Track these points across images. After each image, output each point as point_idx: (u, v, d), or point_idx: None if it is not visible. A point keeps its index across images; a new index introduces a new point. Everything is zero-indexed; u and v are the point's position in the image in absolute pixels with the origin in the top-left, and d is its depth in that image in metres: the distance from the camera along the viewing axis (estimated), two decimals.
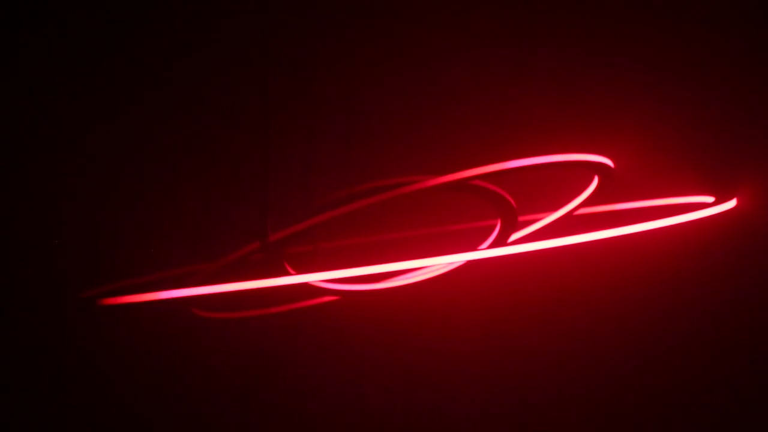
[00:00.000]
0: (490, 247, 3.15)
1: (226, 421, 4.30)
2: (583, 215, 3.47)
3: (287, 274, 3.04)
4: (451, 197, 3.11)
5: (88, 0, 3.98)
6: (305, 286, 3.02)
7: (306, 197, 3.74)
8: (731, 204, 2.86)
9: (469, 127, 4.03)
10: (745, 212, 3.23)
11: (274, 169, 3.74)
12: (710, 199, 3.02)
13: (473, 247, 3.25)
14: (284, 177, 3.87)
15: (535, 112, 4.00)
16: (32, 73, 3.99)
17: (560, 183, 3.25)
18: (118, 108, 4.03)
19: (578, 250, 2.85)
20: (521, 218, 3.22)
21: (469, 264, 3.05)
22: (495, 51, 4.00)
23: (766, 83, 3.92)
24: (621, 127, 3.92)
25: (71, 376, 4.18)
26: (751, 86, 3.94)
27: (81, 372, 4.19)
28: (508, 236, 3.10)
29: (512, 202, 2.98)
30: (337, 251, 3.46)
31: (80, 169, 4.04)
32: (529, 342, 4.23)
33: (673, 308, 4.13)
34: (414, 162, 4.00)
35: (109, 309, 2.98)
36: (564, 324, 4.21)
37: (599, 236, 2.66)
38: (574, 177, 3.26)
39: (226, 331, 4.11)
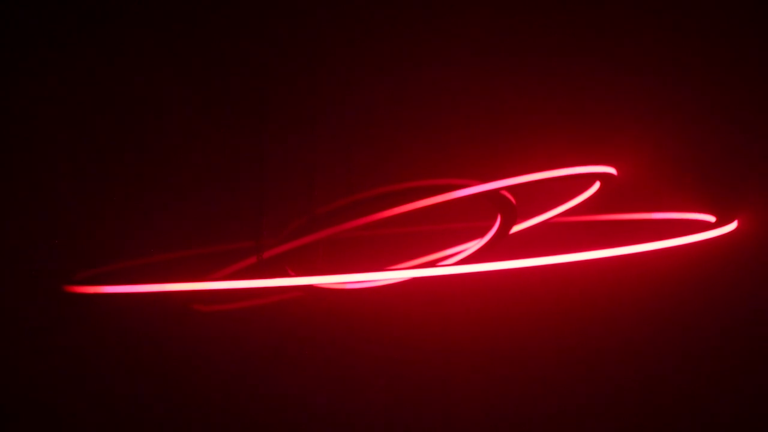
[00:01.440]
0: (492, 240, 3.13)
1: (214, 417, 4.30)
2: (578, 223, 3.48)
3: (286, 275, 3.03)
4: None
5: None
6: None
7: (307, 200, 3.75)
8: (732, 226, 2.80)
9: (470, 130, 4.03)
10: (745, 234, 3.19)
11: (275, 171, 3.76)
12: (711, 218, 2.97)
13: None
14: (285, 178, 3.89)
15: (536, 117, 3.99)
16: (32, 71, 4.00)
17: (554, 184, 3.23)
18: (119, 109, 4.03)
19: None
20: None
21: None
22: (497, 55, 4.00)
23: None
24: (622, 132, 3.92)
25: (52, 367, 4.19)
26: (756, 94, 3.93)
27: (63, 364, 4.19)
28: (507, 234, 3.08)
29: (513, 200, 2.97)
30: (333, 244, 3.45)
31: (79, 170, 4.06)
32: (521, 352, 4.21)
33: (668, 324, 4.12)
34: (414, 163, 4.01)
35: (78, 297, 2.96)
36: (551, 337, 4.19)
37: (584, 257, 2.61)
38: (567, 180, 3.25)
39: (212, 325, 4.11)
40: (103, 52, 4.02)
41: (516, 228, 3.23)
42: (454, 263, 3.14)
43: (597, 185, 3.30)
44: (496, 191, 2.96)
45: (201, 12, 4.01)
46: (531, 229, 3.32)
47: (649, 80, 3.92)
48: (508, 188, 2.92)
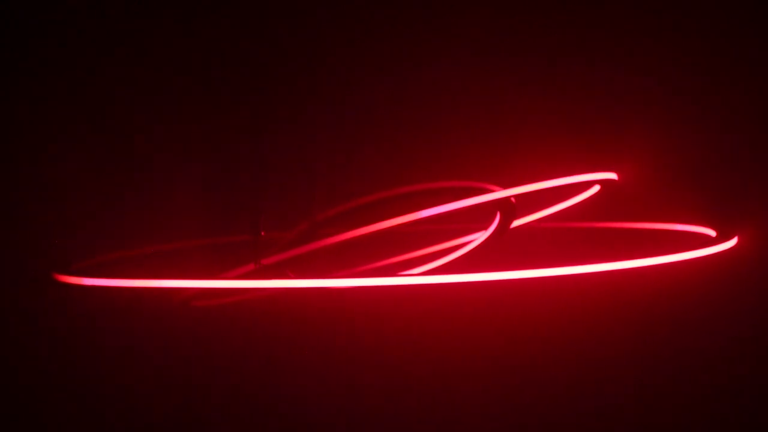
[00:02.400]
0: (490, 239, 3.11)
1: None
2: (576, 230, 3.46)
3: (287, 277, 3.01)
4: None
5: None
6: None
7: (307, 200, 3.75)
8: (731, 243, 2.77)
9: (470, 130, 4.02)
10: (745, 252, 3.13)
11: (274, 171, 3.75)
12: (711, 232, 2.94)
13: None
14: (284, 179, 3.89)
15: (537, 117, 3.97)
16: (32, 69, 4.00)
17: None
18: (119, 109, 4.04)
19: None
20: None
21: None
22: (497, 55, 3.98)
23: None
24: (624, 133, 3.91)
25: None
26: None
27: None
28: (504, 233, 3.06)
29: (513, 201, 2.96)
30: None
31: (79, 166, 4.06)
32: (517, 357, 4.19)
33: (663, 338, 4.08)
34: (414, 163, 4.00)
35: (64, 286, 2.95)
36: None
37: (577, 271, 2.55)
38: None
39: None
40: (105, 51, 4.01)
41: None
42: (425, 272, 3.10)
43: (596, 188, 3.29)
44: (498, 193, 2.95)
45: (201, 12, 4.00)
46: (527, 234, 3.32)
47: (652, 81, 3.91)
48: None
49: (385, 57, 4.03)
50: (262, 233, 3.39)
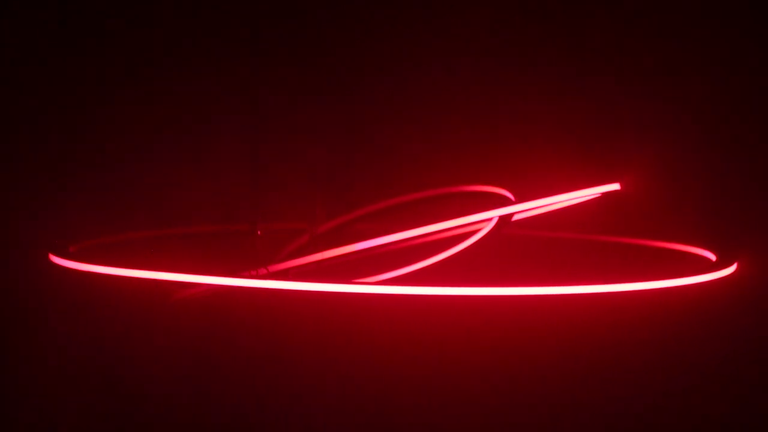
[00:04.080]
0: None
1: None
2: (575, 241, 3.46)
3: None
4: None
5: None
6: None
7: (307, 200, 3.75)
8: (730, 269, 2.76)
9: (471, 131, 4.02)
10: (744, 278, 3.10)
11: (274, 173, 3.75)
12: (711, 256, 2.93)
13: None
14: (285, 180, 3.89)
15: (539, 118, 3.97)
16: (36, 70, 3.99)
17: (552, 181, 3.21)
18: (121, 108, 4.03)
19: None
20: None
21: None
22: (498, 56, 3.98)
23: None
24: (625, 134, 3.91)
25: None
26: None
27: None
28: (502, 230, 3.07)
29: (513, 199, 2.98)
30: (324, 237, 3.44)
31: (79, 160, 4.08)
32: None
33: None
34: (414, 164, 4.01)
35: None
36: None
37: (571, 291, 2.51)
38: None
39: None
40: (108, 51, 4.01)
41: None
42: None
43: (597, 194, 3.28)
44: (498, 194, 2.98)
45: (201, 12, 3.99)
46: (529, 243, 3.33)
47: (659, 84, 3.92)
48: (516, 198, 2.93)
49: (385, 57, 4.03)
50: (259, 232, 3.41)
